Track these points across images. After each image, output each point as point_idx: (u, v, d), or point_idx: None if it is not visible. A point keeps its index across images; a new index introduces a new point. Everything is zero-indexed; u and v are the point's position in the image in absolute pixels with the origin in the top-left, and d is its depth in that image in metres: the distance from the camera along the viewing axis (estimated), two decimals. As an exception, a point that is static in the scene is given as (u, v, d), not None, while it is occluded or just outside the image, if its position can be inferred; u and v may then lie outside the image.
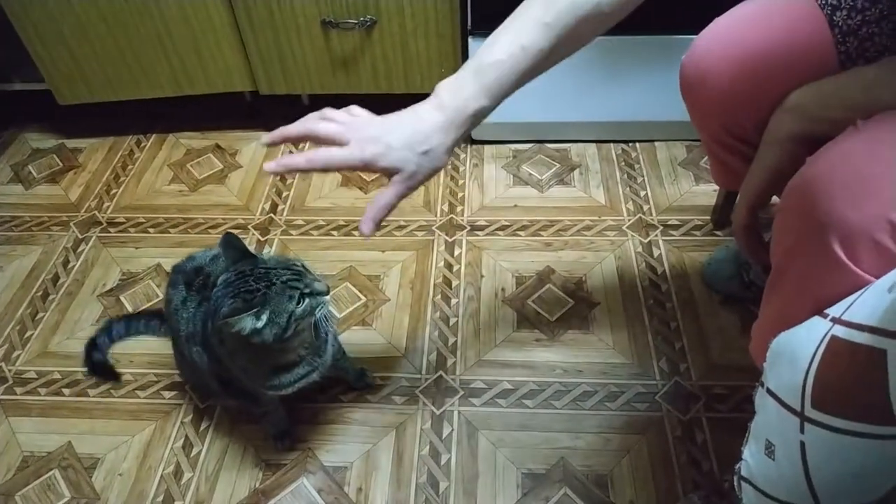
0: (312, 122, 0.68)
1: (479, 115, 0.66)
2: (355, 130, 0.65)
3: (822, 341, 0.51)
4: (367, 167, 0.65)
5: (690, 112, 0.89)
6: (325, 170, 0.67)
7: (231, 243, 0.79)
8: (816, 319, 0.54)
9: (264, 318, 0.74)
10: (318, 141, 0.67)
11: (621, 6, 0.65)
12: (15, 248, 1.34)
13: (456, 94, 0.65)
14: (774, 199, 0.71)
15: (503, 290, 1.20)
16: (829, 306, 0.53)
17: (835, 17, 0.74)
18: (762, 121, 0.72)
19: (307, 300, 0.76)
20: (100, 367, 1.09)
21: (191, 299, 0.87)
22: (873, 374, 0.46)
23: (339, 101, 1.53)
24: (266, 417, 0.97)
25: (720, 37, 0.82)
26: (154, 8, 1.33)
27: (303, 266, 0.79)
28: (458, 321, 1.15)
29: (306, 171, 0.66)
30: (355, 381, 1.04)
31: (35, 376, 1.11)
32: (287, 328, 0.75)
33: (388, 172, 0.66)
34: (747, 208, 0.75)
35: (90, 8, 1.32)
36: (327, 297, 0.78)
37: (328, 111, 0.70)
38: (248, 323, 0.73)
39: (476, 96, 0.64)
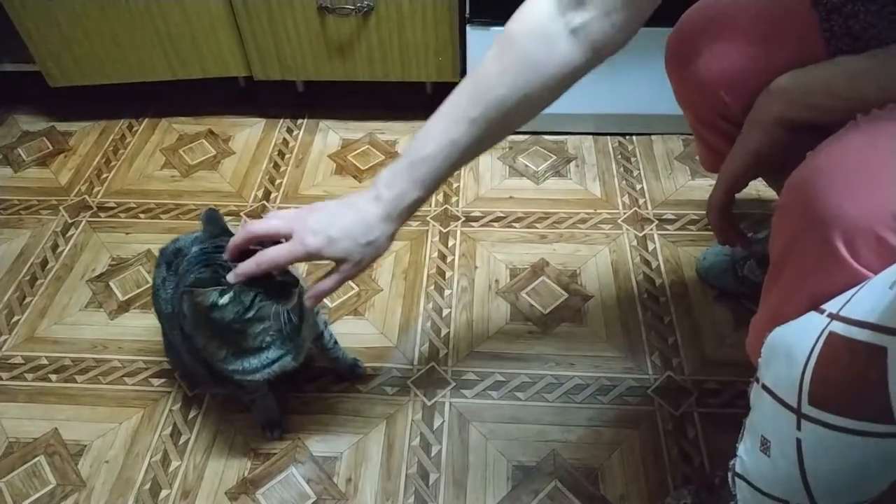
0: (253, 225, 0.71)
1: (415, 206, 0.69)
2: (297, 221, 0.69)
3: (819, 338, 0.50)
4: (312, 258, 0.69)
5: (675, 90, 0.88)
6: (275, 267, 0.70)
7: (212, 219, 0.78)
8: (813, 315, 0.53)
9: (227, 296, 0.72)
10: (263, 239, 0.71)
11: (551, 92, 0.65)
12: (3, 231, 1.32)
13: (392, 187, 0.68)
14: (773, 194, 0.70)
15: (497, 281, 1.19)
16: (826, 302, 0.52)
17: None
18: (747, 100, 0.71)
19: (275, 287, 0.75)
20: None
21: (169, 280, 0.85)
22: (873, 372, 0.46)
23: (335, 88, 1.52)
24: (254, 406, 0.96)
25: (705, 15, 0.81)
26: (147, -11, 1.31)
27: None
28: (451, 312, 1.15)
29: (259, 273, 0.70)
30: (347, 371, 1.03)
31: (22, 361, 1.10)
32: (249, 308, 0.73)
33: (335, 261, 0.70)
34: (725, 190, 0.75)
35: (82, -12, 1.30)
36: (296, 289, 0.77)
37: (270, 214, 0.73)
38: (211, 297, 0.72)
39: (411, 190, 0.68)
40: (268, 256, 0.69)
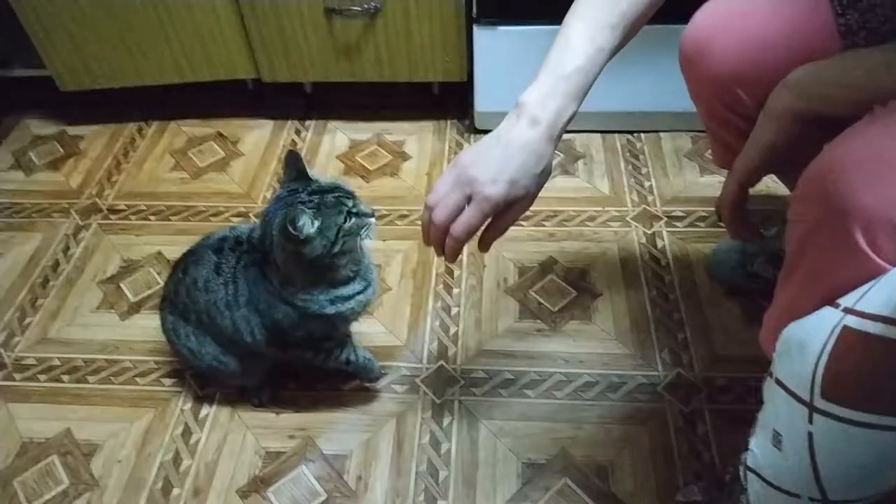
0: (436, 213, 0.68)
1: (570, 120, 0.67)
2: (468, 183, 0.66)
3: (833, 331, 0.50)
4: (500, 208, 0.67)
5: (689, 87, 0.88)
6: (473, 233, 0.68)
7: (294, 161, 0.83)
8: (828, 309, 0.53)
9: (317, 225, 0.77)
10: (452, 221, 0.68)
11: None
12: (15, 234, 1.33)
13: (546, 107, 0.65)
14: (783, 189, 0.70)
15: (505, 279, 1.19)
16: (843, 295, 0.52)
17: None
18: (762, 96, 0.71)
19: (354, 219, 0.80)
20: None
21: (225, 261, 0.87)
22: (885, 365, 0.46)
23: (342, 89, 1.53)
24: (337, 356, 0.96)
25: (720, 10, 0.81)
26: (156, -7, 1.32)
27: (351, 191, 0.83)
28: (459, 311, 1.15)
29: (462, 246, 0.69)
30: (362, 373, 1.02)
31: (34, 362, 1.11)
32: (335, 242, 0.79)
33: (511, 202, 0.67)
34: (738, 183, 0.74)
35: (92, -7, 1.32)
36: (372, 220, 0.82)
37: (437, 188, 0.68)
38: (307, 223, 0.76)
39: (567, 105, 0.66)
40: (462, 228, 0.67)
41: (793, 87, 0.66)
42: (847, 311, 0.50)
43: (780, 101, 0.67)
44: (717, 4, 0.82)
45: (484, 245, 0.72)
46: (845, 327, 0.49)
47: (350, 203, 0.80)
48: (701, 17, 0.82)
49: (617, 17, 0.66)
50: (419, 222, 1.28)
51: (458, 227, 0.67)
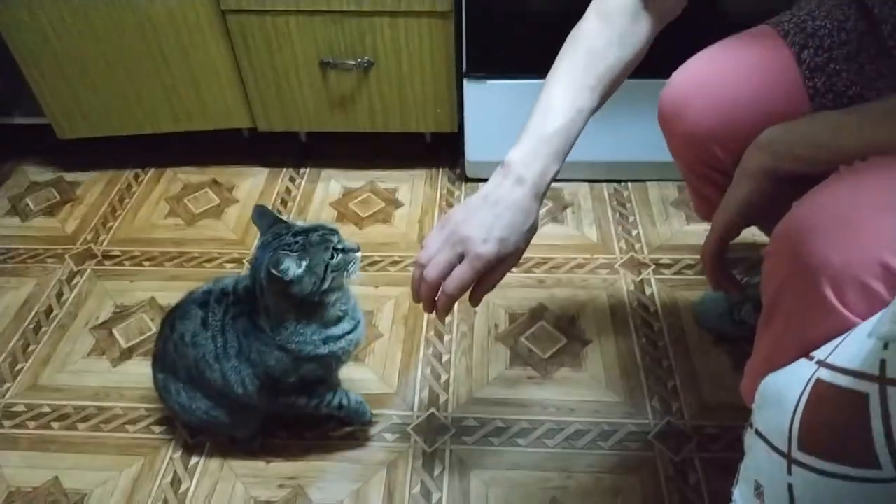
0: (429, 271, 0.69)
1: (554, 178, 0.70)
2: (460, 242, 0.68)
3: (807, 384, 0.51)
4: (492, 265, 0.69)
5: (669, 144, 0.92)
6: (466, 290, 0.70)
7: (263, 213, 0.86)
8: (803, 362, 0.54)
9: (304, 264, 0.79)
10: (443, 278, 0.69)
11: (637, 59, 0.73)
12: (9, 280, 1.34)
13: (531, 166, 0.68)
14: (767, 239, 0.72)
15: (496, 326, 1.20)
16: (816, 348, 0.54)
17: (802, 55, 0.78)
18: (738, 152, 0.74)
19: (341, 255, 0.82)
20: None
21: (213, 314, 0.88)
22: (856, 418, 0.47)
23: (337, 138, 1.56)
24: (330, 401, 0.97)
25: (695, 73, 0.85)
26: (154, 45, 1.36)
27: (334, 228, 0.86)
28: (450, 358, 1.15)
29: (453, 303, 0.70)
30: (354, 417, 1.03)
31: (24, 409, 1.10)
32: (324, 279, 0.80)
33: (501, 259, 0.69)
34: (718, 238, 0.77)
35: (91, 45, 1.35)
36: (358, 255, 0.84)
37: (428, 247, 0.70)
38: (291, 266, 0.78)
39: (550, 164, 0.69)
40: (455, 284, 0.68)
41: (765, 146, 0.69)
42: (820, 363, 0.51)
43: (753, 160, 0.70)
44: (692, 67, 0.85)
45: (475, 300, 0.73)
46: (818, 380, 0.50)
47: (335, 239, 0.83)
48: (677, 78, 0.86)
49: (594, 79, 0.70)
50: (411, 268, 1.30)
51: (450, 285, 0.69)
